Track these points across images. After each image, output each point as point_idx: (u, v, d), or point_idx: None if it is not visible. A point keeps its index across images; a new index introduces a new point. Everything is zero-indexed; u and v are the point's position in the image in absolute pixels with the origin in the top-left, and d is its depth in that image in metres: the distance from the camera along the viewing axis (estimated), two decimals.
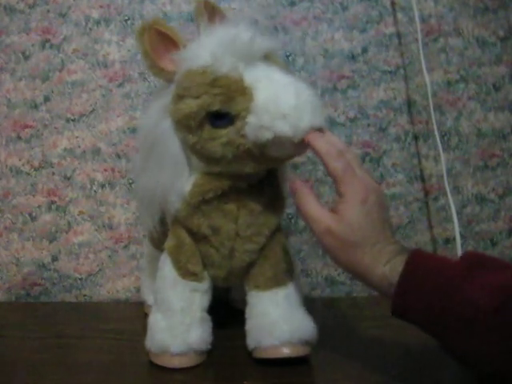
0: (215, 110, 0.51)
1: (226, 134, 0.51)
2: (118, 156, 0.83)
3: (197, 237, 0.57)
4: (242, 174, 0.54)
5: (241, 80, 0.50)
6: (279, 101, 0.48)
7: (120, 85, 0.83)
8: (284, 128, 0.48)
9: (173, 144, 0.55)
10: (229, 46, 0.50)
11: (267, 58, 0.53)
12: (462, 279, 0.43)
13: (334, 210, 0.48)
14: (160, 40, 0.53)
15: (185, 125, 0.53)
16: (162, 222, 0.60)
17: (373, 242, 0.47)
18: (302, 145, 0.49)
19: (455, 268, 0.45)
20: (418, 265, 0.46)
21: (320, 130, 0.50)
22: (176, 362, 0.56)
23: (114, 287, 0.84)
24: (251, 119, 0.50)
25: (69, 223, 0.84)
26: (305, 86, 0.50)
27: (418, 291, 0.45)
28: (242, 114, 0.50)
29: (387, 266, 0.47)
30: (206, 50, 0.51)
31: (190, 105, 0.51)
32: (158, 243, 0.65)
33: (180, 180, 0.55)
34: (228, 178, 0.54)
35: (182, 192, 0.55)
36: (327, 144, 0.49)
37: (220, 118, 0.51)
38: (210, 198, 0.55)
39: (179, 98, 0.53)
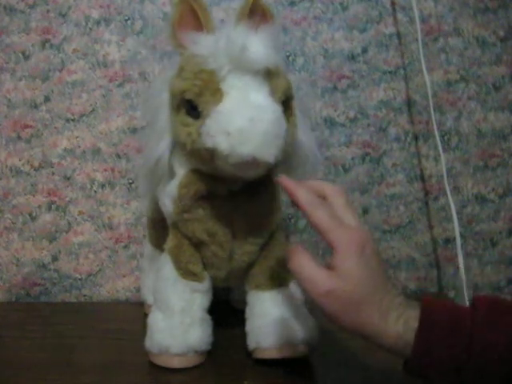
0: (188, 98, 0.51)
1: (192, 124, 0.51)
2: (118, 156, 0.83)
3: (194, 241, 0.57)
4: (225, 177, 0.53)
5: (218, 81, 0.50)
6: (231, 117, 0.47)
7: (120, 85, 0.83)
8: (222, 145, 0.47)
9: (163, 116, 0.56)
10: (222, 47, 0.50)
11: (270, 75, 0.51)
12: (480, 328, 0.42)
13: (330, 267, 0.44)
14: (190, 15, 0.53)
15: (171, 102, 0.55)
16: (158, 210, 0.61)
17: (379, 296, 0.43)
18: (241, 168, 0.48)
19: (471, 317, 0.42)
20: (433, 320, 0.43)
21: (267, 165, 0.49)
22: (176, 363, 0.56)
23: (113, 287, 0.84)
24: (207, 122, 0.49)
25: (69, 223, 0.84)
26: (272, 121, 0.47)
27: (437, 347, 0.42)
28: (204, 113, 0.50)
29: (400, 324, 0.43)
30: (209, 41, 0.51)
31: (177, 85, 0.53)
32: (157, 243, 0.65)
33: (158, 147, 0.56)
34: (213, 179, 0.54)
35: (171, 194, 0.56)
36: (307, 194, 0.45)
37: (193, 108, 0.51)
38: (200, 199, 0.55)
39: (176, 75, 0.54)
